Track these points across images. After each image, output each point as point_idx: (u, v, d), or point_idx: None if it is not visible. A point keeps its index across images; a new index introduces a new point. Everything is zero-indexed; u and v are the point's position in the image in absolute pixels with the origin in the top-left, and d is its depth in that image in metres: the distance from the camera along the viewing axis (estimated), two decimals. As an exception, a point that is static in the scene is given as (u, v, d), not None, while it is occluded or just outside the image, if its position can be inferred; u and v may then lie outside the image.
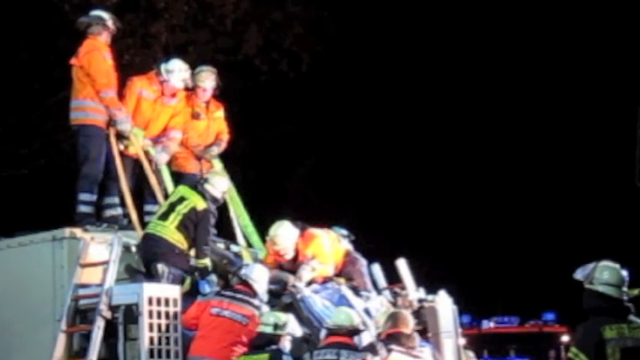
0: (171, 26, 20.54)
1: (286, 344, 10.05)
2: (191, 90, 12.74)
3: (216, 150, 12.79)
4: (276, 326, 9.98)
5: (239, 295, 10.42)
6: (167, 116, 12.45)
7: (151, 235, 11.01)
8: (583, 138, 25.04)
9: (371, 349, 9.61)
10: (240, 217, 12.68)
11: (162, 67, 12.34)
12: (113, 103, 11.93)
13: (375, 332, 10.45)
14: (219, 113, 12.95)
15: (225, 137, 12.94)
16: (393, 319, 10.00)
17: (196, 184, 11.40)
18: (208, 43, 20.88)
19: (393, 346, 9.60)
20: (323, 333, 10.12)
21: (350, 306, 11.21)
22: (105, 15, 12.35)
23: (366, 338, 10.40)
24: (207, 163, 12.70)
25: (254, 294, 10.51)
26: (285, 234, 11.61)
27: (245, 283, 10.58)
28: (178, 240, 10.91)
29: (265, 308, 10.53)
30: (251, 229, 12.63)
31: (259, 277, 10.65)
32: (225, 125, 12.99)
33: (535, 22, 24.64)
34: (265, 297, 10.72)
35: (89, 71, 11.86)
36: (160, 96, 12.35)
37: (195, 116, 12.73)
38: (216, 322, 10.23)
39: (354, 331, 9.97)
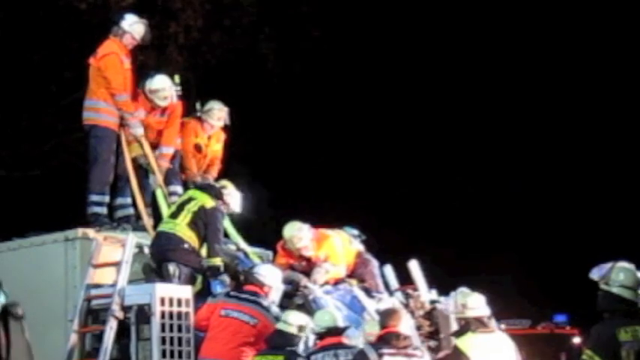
0: (187, 27, 20.53)
1: (301, 345, 9.99)
2: (198, 120, 12.62)
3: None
4: (300, 328, 9.95)
5: (248, 296, 10.40)
6: (156, 132, 12.35)
7: (163, 233, 11.03)
8: (595, 140, 24.99)
9: (362, 357, 9.31)
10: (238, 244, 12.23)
11: (147, 85, 12.20)
12: (126, 106, 11.95)
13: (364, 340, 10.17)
14: (219, 146, 12.80)
15: (218, 163, 12.76)
16: (382, 317, 9.74)
17: (206, 185, 11.41)
18: (223, 44, 20.89)
19: (384, 350, 9.25)
20: (312, 338, 10.06)
21: (362, 307, 11.23)
22: (133, 19, 12.31)
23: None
24: None
25: (264, 295, 10.49)
26: (302, 233, 11.58)
27: (255, 283, 10.56)
28: (190, 237, 10.92)
29: (275, 309, 10.50)
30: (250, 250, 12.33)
31: (270, 278, 10.64)
32: (221, 152, 12.82)
33: (548, 20, 24.61)
34: (277, 298, 10.69)
35: (105, 73, 11.87)
36: (149, 112, 12.25)
37: (197, 148, 12.64)
38: (225, 324, 10.22)
39: (342, 330, 9.93)
